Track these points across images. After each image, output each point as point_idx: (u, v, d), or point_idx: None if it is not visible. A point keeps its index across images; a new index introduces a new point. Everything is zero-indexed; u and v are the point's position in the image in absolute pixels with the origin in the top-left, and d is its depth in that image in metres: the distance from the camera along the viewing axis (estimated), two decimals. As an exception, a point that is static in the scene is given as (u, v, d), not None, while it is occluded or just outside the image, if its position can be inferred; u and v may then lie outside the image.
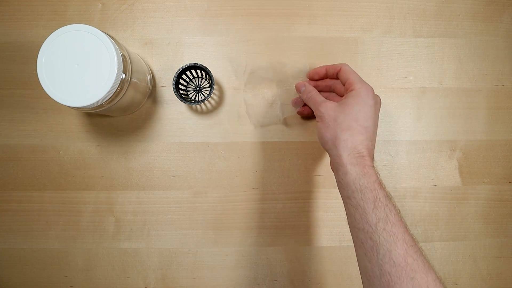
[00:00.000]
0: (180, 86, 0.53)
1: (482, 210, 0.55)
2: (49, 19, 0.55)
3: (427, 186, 0.55)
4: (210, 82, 0.53)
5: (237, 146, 0.55)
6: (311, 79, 0.52)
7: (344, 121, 0.41)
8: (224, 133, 0.55)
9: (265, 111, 0.54)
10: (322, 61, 0.55)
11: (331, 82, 0.50)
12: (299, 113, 0.54)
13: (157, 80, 0.55)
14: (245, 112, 0.54)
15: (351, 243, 0.55)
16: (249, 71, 0.55)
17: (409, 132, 0.55)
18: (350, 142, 0.40)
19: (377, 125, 0.43)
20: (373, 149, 0.42)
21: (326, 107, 0.43)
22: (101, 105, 0.43)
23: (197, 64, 0.50)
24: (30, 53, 0.54)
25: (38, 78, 0.41)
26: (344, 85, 0.45)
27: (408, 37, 0.56)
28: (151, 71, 0.55)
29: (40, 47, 0.41)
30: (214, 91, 0.53)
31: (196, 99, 0.55)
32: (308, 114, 0.53)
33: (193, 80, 0.56)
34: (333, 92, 0.50)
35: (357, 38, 0.56)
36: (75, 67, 0.41)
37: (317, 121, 0.44)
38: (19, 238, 0.54)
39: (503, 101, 0.56)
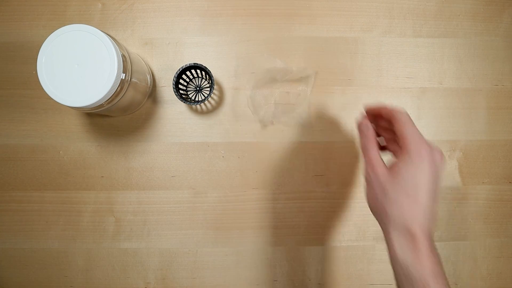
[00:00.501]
0: (180, 86, 0.53)
1: (482, 210, 0.55)
2: (49, 19, 0.55)
3: (427, 186, 0.55)
4: (210, 82, 0.53)
5: (237, 146, 0.55)
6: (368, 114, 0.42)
7: (393, 194, 0.34)
8: (224, 133, 0.55)
9: (264, 111, 0.54)
10: (322, 61, 0.55)
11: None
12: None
13: (157, 80, 0.55)
14: (249, 108, 0.54)
15: (351, 243, 0.55)
16: (249, 71, 0.55)
17: (409, 132, 0.55)
18: (398, 219, 0.34)
19: (437, 196, 0.35)
20: (431, 227, 0.34)
21: (375, 173, 0.36)
22: (101, 105, 0.43)
23: (197, 64, 0.50)
24: (30, 53, 0.54)
25: (38, 78, 0.41)
26: (399, 139, 0.36)
27: (408, 37, 0.56)
28: (151, 71, 0.55)
29: (40, 47, 0.41)
30: (214, 91, 0.53)
31: (196, 99, 0.55)
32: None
33: (193, 80, 0.56)
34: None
35: (357, 38, 0.56)
36: (75, 67, 0.41)
37: (366, 183, 0.38)
38: (19, 238, 0.54)
39: (503, 101, 0.56)
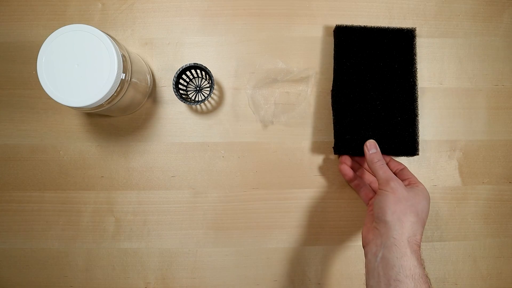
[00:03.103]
0: (180, 86, 0.53)
1: (482, 210, 0.55)
2: (49, 19, 0.55)
3: (427, 186, 0.54)
4: (210, 82, 0.53)
5: (237, 146, 0.55)
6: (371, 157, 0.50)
7: (414, 206, 0.42)
8: (224, 133, 0.55)
9: (265, 111, 0.54)
10: (322, 61, 0.55)
11: (367, 175, 0.53)
12: (342, 171, 0.52)
13: (157, 80, 0.55)
14: (249, 108, 0.54)
15: (351, 243, 0.55)
16: (249, 71, 0.55)
17: (409, 132, 0.55)
18: (414, 226, 0.41)
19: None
20: None
21: (399, 184, 0.44)
22: (101, 105, 0.43)
23: (197, 64, 0.50)
24: (30, 53, 0.54)
25: (38, 78, 0.41)
26: (402, 179, 0.47)
27: (408, 37, 0.56)
28: (151, 71, 0.55)
29: (40, 47, 0.41)
30: (214, 91, 0.53)
31: (196, 99, 0.55)
32: (350, 178, 0.51)
33: (193, 80, 0.56)
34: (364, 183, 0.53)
35: (357, 38, 0.56)
36: (75, 67, 0.41)
37: (386, 191, 0.43)
38: (19, 238, 0.54)
39: (503, 101, 0.56)
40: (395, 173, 0.49)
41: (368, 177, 0.53)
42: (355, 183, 0.52)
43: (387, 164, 0.50)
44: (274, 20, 0.56)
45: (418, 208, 0.42)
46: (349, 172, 0.51)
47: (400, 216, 0.41)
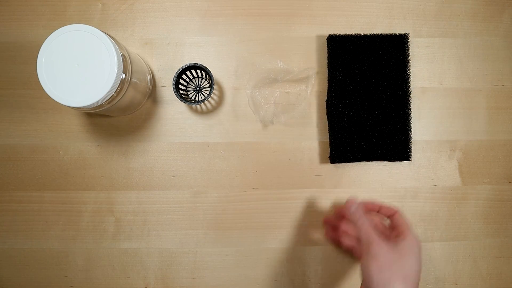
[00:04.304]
0: (180, 86, 0.53)
1: (482, 210, 0.55)
2: (49, 19, 0.55)
3: (427, 186, 0.55)
4: (210, 82, 0.53)
5: (237, 146, 0.55)
6: (366, 208, 0.49)
7: (400, 270, 0.40)
8: (224, 133, 0.55)
9: (265, 111, 0.54)
10: (322, 61, 0.55)
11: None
12: (327, 236, 0.53)
13: (157, 80, 0.55)
14: (249, 108, 0.54)
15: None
16: (249, 71, 0.55)
17: (409, 132, 0.55)
18: (402, 286, 0.39)
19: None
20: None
21: (381, 248, 0.41)
22: (101, 105, 0.43)
23: (197, 64, 0.50)
24: (30, 53, 0.54)
25: (38, 78, 0.41)
26: (393, 228, 0.46)
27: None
28: (151, 71, 0.55)
29: (40, 47, 0.41)
30: (214, 91, 0.53)
31: (196, 99, 0.55)
32: (336, 243, 0.53)
33: (193, 80, 0.56)
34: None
35: (357, 38, 0.56)
36: (75, 67, 0.41)
37: (366, 258, 0.42)
38: (19, 238, 0.54)
39: (503, 101, 0.56)
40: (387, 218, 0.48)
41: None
42: (346, 245, 0.51)
43: (378, 211, 0.48)
44: (274, 20, 0.56)
45: (406, 269, 0.40)
46: (334, 239, 0.53)
47: (385, 285, 0.39)
